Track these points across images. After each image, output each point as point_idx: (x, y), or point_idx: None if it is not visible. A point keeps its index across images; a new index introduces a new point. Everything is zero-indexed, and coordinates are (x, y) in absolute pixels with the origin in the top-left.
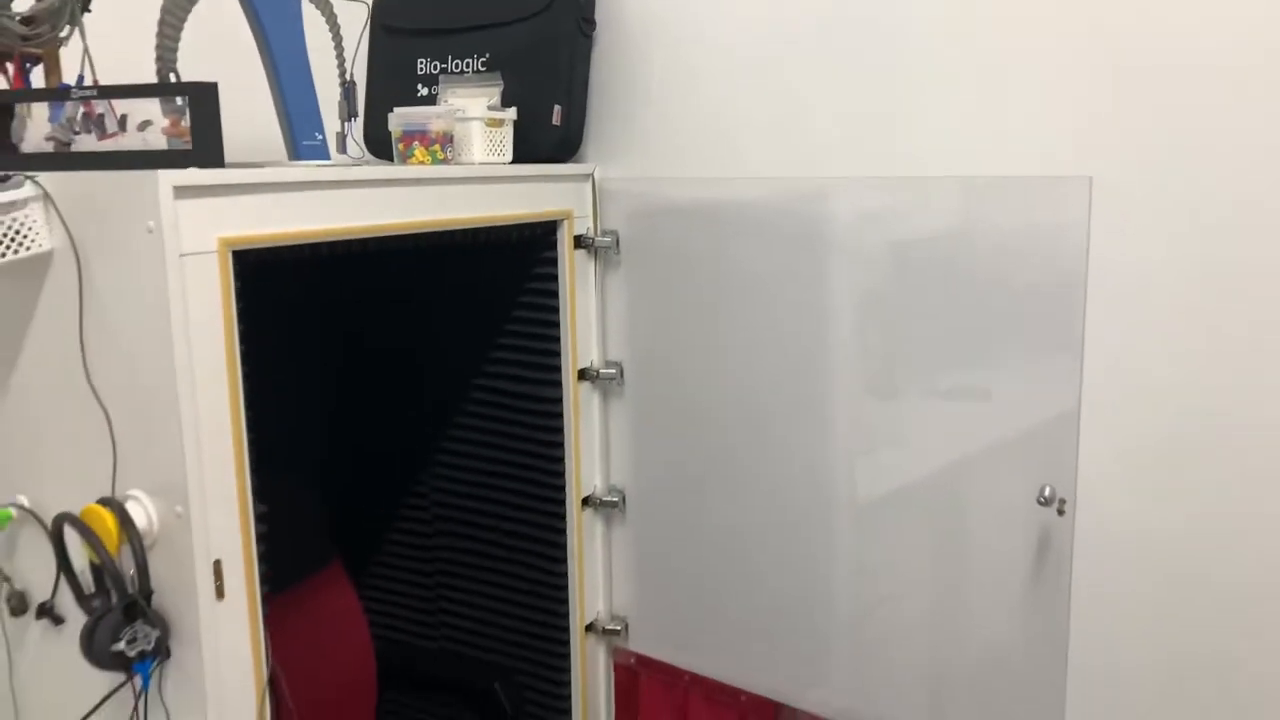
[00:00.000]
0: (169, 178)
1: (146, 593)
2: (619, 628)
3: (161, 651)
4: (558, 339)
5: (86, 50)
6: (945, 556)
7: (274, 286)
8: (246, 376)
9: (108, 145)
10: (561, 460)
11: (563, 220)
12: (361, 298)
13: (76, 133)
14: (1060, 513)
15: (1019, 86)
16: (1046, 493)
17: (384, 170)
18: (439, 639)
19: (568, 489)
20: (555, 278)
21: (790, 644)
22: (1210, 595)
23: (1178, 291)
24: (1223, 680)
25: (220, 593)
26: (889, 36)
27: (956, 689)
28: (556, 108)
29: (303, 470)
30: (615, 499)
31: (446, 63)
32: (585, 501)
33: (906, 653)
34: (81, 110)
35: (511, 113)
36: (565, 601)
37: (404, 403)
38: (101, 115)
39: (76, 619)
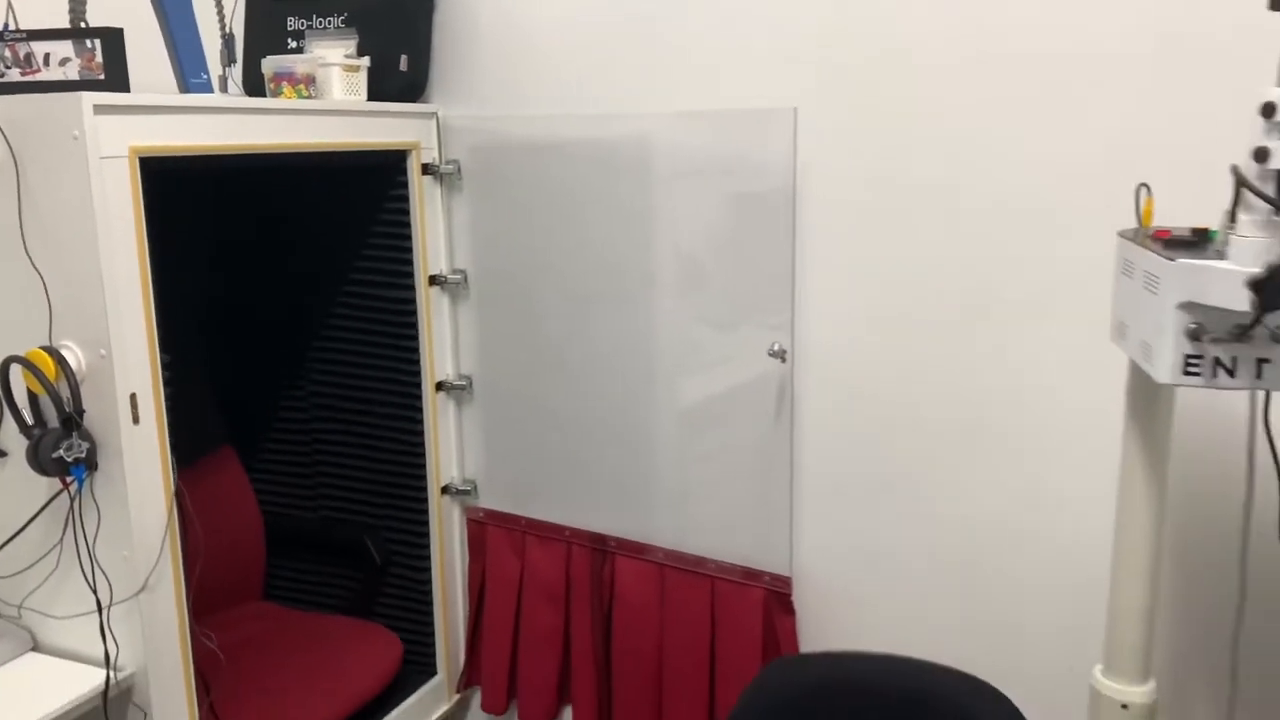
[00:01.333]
0: (90, 98)
1: (80, 412)
2: (469, 488)
3: (92, 463)
4: (410, 250)
5: (10, 3)
6: (715, 398)
7: (173, 201)
8: (150, 259)
9: (35, 78)
10: (416, 351)
11: (411, 150)
12: (244, 214)
13: (7, 68)
14: (783, 360)
15: (751, 40)
16: (775, 347)
17: (258, 101)
18: (318, 509)
19: (422, 375)
20: (407, 199)
21: (605, 489)
22: (884, 408)
23: (861, 196)
24: (894, 462)
25: (136, 419)
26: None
27: (723, 496)
28: (404, 57)
29: (193, 364)
30: (464, 383)
31: (311, 20)
32: (439, 386)
33: (682, 475)
34: (7, 51)
35: (365, 60)
36: (423, 469)
37: (281, 306)
38: (28, 54)
39: (18, 451)
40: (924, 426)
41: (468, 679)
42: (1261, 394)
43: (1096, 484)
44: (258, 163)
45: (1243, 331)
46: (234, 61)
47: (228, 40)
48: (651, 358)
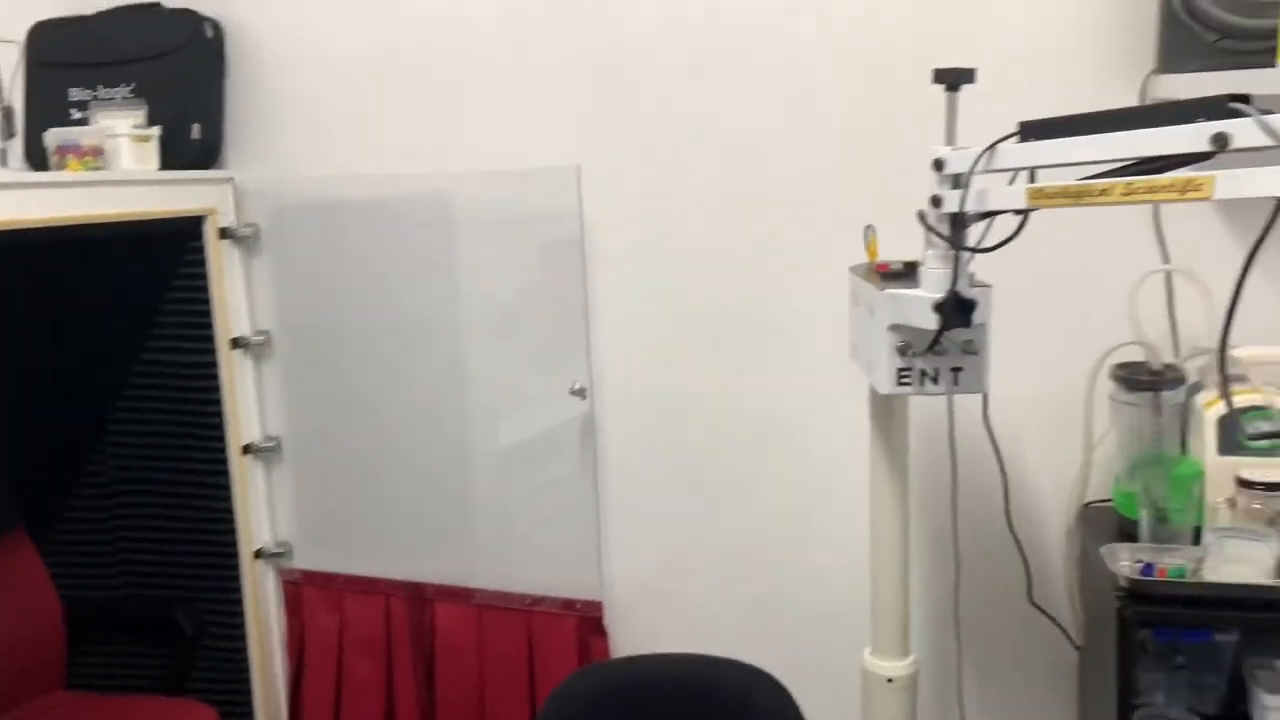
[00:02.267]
0: None
1: None
2: (283, 550)
3: None
4: (209, 314)
5: None
6: (522, 438)
7: None
8: None
9: None
10: (220, 415)
11: (207, 216)
12: (36, 289)
13: None
14: (583, 397)
15: (534, 102)
16: (575, 386)
17: (43, 175)
18: (123, 586)
19: (227, 439)
20: (204, 264)
21: (421, 537)
22: (677, 431)
23: (643, 240)
24: (688, 480)
25: None
26: (451, 64)
27: (534, 532)
28: (195, 125)
29: None
30: (272, 444)
31: (96, 91)
32: (246, 449)
33: (495, 516)
34: None
35: (155, 130)
36: (233, 535)
37: (76, 380)
38: None
39: None
40: (713, 445)
41: None
42: (976, 397)
43: (862, 488)
44: (46, 237)
45: (931, 345)
46: (13, 134)
47: (6, 112)
48: (461, 405)
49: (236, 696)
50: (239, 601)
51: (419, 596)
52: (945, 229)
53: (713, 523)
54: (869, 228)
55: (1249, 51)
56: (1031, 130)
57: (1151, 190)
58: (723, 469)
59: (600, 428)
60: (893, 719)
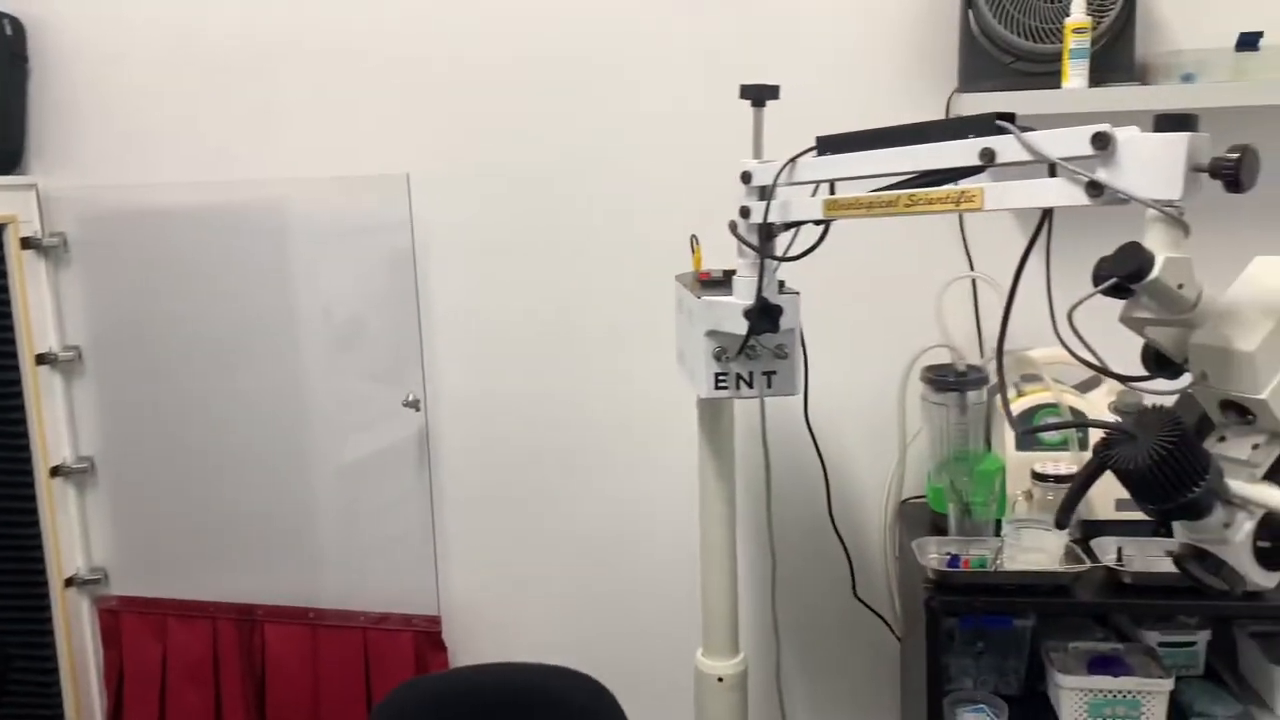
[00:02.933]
0: None
1: None
2: (99, 577)
3: None
4: (11, 329)
5: None
6: (355, 452)
7: None
8: None
9: None
10: (25, 436)
11: (6, 224)
12: None
13: None
14: (417, 409)
15: (364, 109)
16: (409, 398)
17: None
18: None
19: (35, 461)
20: (4, 275)
21: (250, 557)
22: (513, 441)
23: (476, 250)
24: (525, 489)
25: None
26: (276, 68)
27: (369, 547)
28: None
29: None
30: (85, 465)
31: None
32: (55, 471)
33: (328, 532)
34: None
35: None
36: (42, 562)
37: None
38: None
39: None
40: (551, 453)
41: None
42: (800, 399)
43: (695, 493)
44: None
45: (742, 350)
46: None
47: None
48: (290, 419)
49: None
50: (50, 633)
51: (249, 618)
52: (754, 239)
53: (553, 531)
54: (693, 237)
55: (1040, 73)
56: (828, 145)
57: (930, 202)
58: (561, 477)
59: (437, 439)
60: (724, 718)
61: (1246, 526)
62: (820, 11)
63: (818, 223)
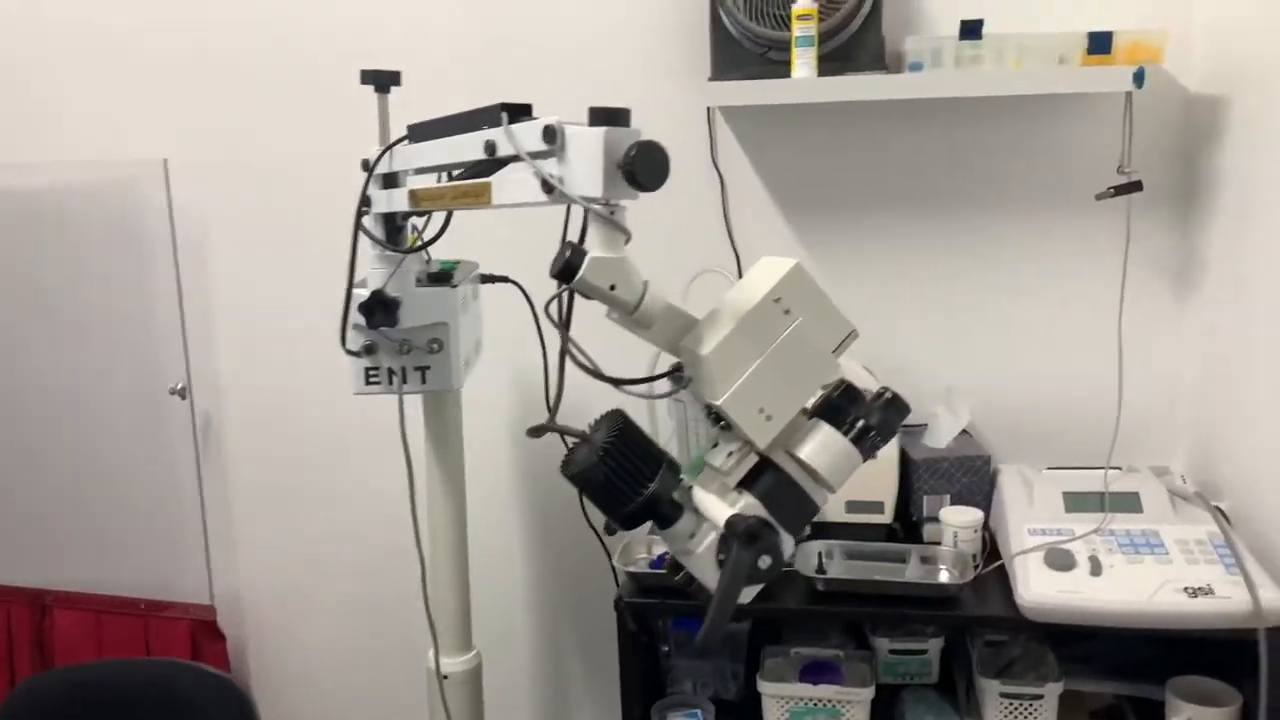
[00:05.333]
0: None
1: None
2: None
3: None
4: None
5: None
6: (128, 441)
7: None
8: None
9: None
10: None
11: None
12: None
13: None
14: (183, 398)
15: (124, 96)
16: (176, 386)
17: None
18: None
19: None
20: None
21: (39, 542)
22: (289, 428)
23: (237, 235)
24: (303, 477)
25: None
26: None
27: (146, 536)
28: None
29: None
30: None
31: None
32: None
33: (108, 520)
34: None
35: None
36: None
37: None
38: None
39: None
40: (329, 445)
41: None
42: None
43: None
44: None
45: (369, 348)
46: None
47: None
48: (66, 407)
49: None
50: None
51: (39, 604)
52: (380, 231)
53: (334, 522)
54: (414, 227)
55: (788, 61)
56: (416, 133)
57: (458, 196)
58: (342, 468)
59: (219, 428)
60: (456, 713)
61: (710, 538)
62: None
63: (420, 213)
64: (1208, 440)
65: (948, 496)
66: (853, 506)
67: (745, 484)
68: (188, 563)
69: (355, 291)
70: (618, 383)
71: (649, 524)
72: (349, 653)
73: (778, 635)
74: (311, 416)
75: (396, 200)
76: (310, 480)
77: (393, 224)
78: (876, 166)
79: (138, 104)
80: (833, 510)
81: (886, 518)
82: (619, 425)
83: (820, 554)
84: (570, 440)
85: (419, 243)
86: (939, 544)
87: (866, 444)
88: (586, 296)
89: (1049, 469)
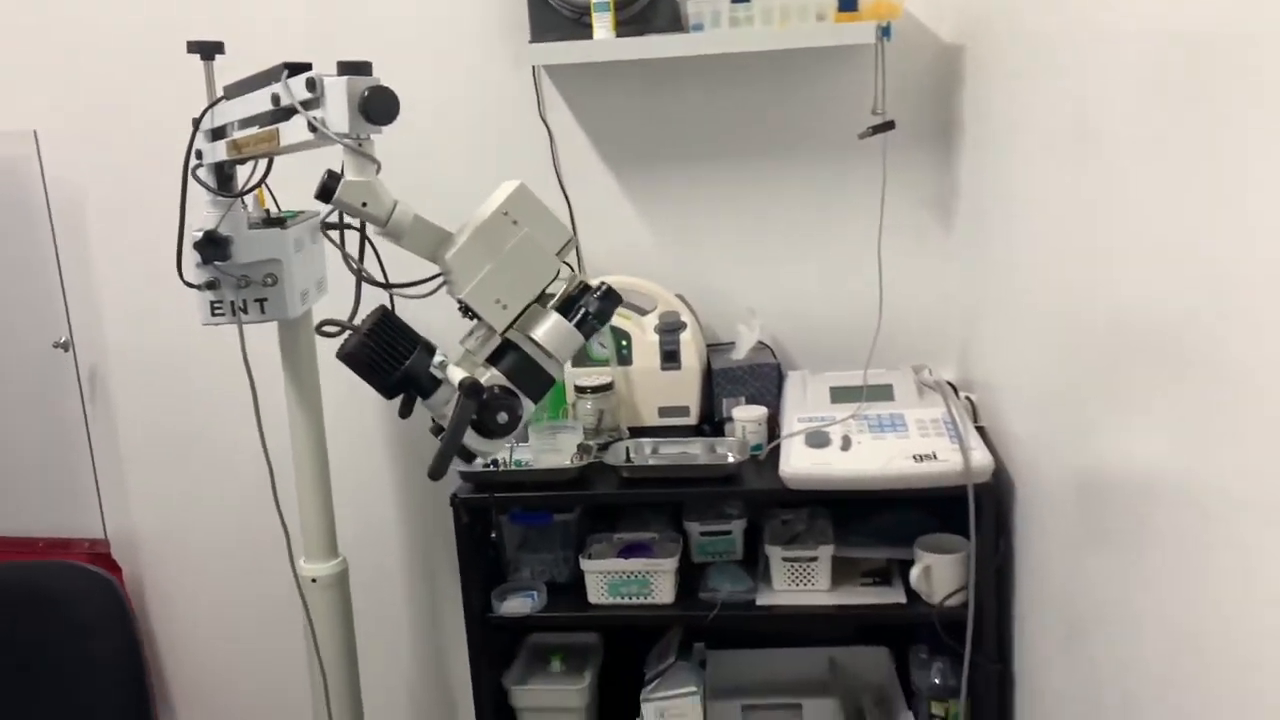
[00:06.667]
0: None
1: None
2: None
3: None
4: None
5: None
6: (17, 388)
7: None
8: None
9: None
10: None
11: None
12: None
13: None
14: (67, 350)
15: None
16: (60, 339)
17: None
18: None
19: None
20: None
21: None
22: (179, 378)
23: (109, 197)
24: (194, 424)
25: None
26: None
27: (38, 478)
28: None
29: None
30: None
31: None
32: None
33: (13, 463)
34: None
35: None
36: None
37: None
38: None
39: None
40: (196, 395)
41: None
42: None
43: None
44: None
45: (210, 283)
46: None
47: None
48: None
49: None
50: None
51: None
52: (211, 180)
53: (216, 457)
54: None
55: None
56: (229, 92)
57: (258, 142)
58: (221, 407)
59: (104, 378)
60: (326, 613)
61: (454, 399)
62: None
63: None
64: (965, 345)
65: (743, 399)
66: (664, 411)
67: (492, 361)
68: (82, 503)
69: (194, 234)
70: (389, 286)
71: None
72: (233, 571)
73: (609, 527)
74: (189, 363)
75: (220, 151)
76: (191, 420)
77: (222, 172)
78: (680, 118)
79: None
80: (646, 414)
81: (693, 420)
82: (379, 315)
83: (628, 449)
84: (347, 333)
85: (260, 194)
86: (729, 436)
87: (587, 327)
88: (346, 213)
89: (828, 373)
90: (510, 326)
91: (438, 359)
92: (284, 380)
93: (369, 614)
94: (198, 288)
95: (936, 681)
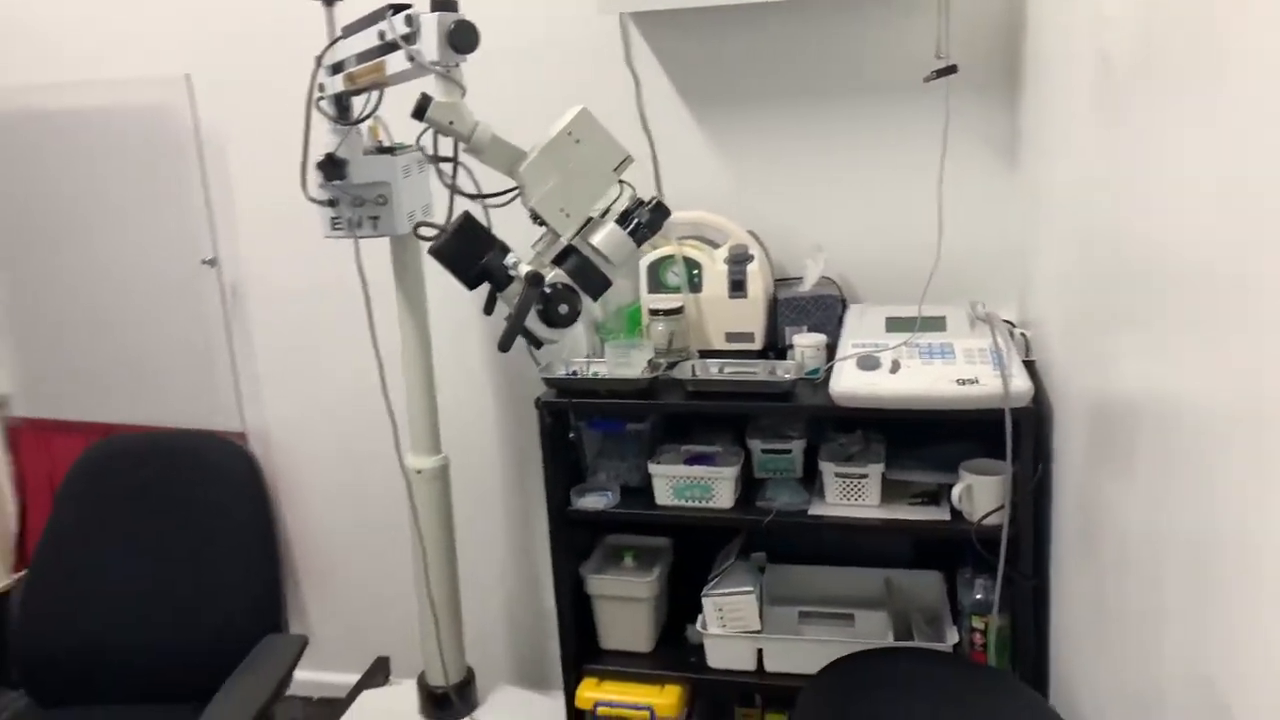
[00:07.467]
0: None
1: None
2: (2, 400)
3: None
4: None
5: None
6: (173, 300)
7: None
8: None
9: None
10: None
11: None
12: None
13: None
14: (213, 265)
15: (146, 17)
16: (207, 257)
17: None
18: None
19: None
20: None
21: (111, 386)
22: (303, 297)
23: (257, 136)
24: (317, 336)
25: None
26: None
27: (191, 378)
28: None
29: None
30: None
31: None
32: None
33: (159, 365)
34: None
35: None
36: None
37: None
38: None
39: None
40: (322, 307)
41: (20, 562)
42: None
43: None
44: None
45: (330, 200)
46: None
47: None
48: (135, 277)
49: None
50: None
51: (105, 434)
52: (330, 108)
53: (339, 362)
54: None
55: None
56: (346, 31)
57: (369, 73)
58: (337, 333)
59: (244, 292)
60: (428, 502)
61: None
62: None
63: (355, 92)
64: (1024, 283)
65: (805, 328)
66: (730, 336)
67: (557, 262)
68: (223, 400)
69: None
70: (474, 196)
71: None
72: (349, 463)
73: (678, 440)
74: (313, 278)
75: (338, 84)
76: (314, 329)
77: (341, 103)
78: (756, 64)
79: (162, 25)
80: (714, 339)
81: (757, 345)
82: (463, 219)
83: (694, 366)
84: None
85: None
86: (789, 360)
87: (639, 235)
88: (436, 130)
89: (887, 305)
90: (573, 233)
91: (511, 258)
92: (394, 292)
93: (466, 504)
94: (320, 203)
95: (978, 597)
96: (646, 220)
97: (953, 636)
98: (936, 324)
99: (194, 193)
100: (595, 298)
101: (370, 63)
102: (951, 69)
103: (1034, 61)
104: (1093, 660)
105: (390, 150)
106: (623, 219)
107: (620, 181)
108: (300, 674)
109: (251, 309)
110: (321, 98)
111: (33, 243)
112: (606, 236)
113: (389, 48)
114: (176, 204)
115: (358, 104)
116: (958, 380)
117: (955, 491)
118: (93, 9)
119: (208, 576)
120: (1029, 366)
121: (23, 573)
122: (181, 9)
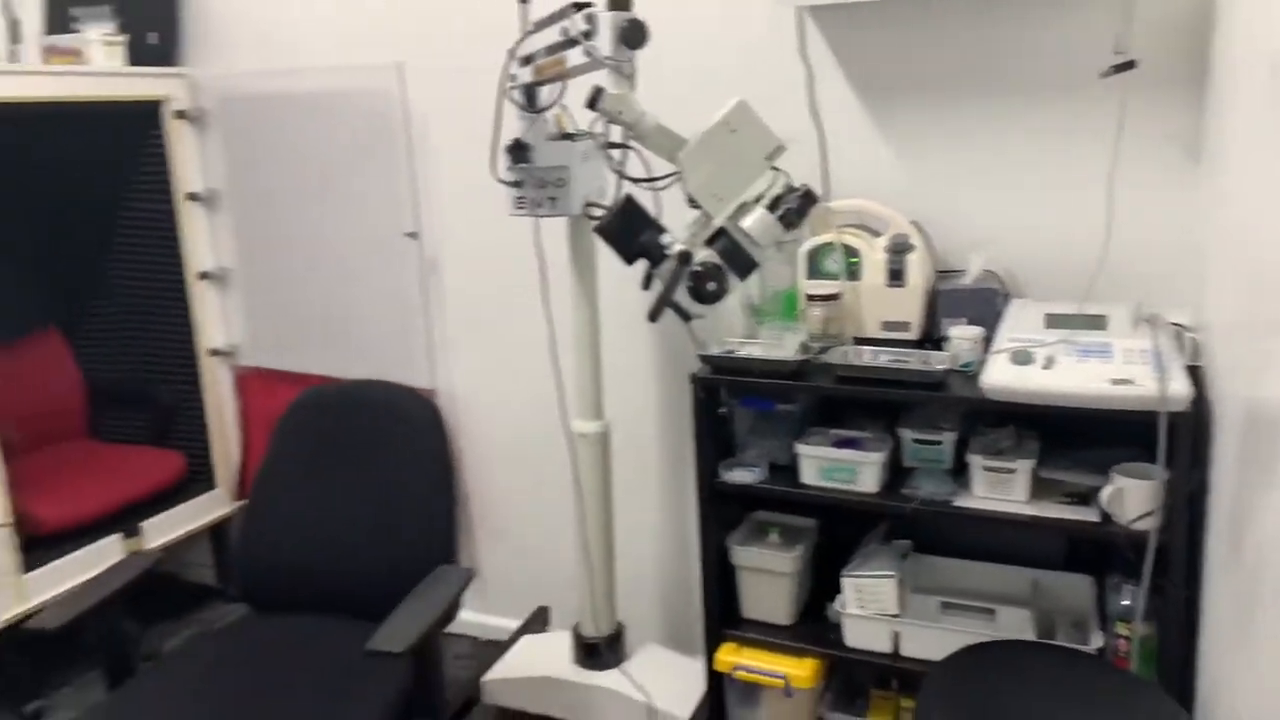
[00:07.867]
0: None
1: None
2: (233, 350)
3: None
4: (168, 173)
5: None
6: (375, 269)
7: None
8: None
9: None
10: (179, 253)
11: (164, 101)
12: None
13: None
14: (415, 238)
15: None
16: (409, 229)
17: (36, 65)
18: (124, 371)
19: (186, 269)
20: (163, 137)
21: (326, 342)
22: (486, 273)
23: (460, 119)
24: (496, 309)
25: None
26: None
27: (387, 337)
28: (153, 34)
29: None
30: (222, 273)
31: (88, 9)
32: (202, 275)
33: (361, 326)
34: None
35: (121, 37)
36: (192, 339)
37: (83, 219)
38: None
39: None
40: (504, 280)
41: (241, 491)
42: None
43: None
44: (49, 111)
45: (517, 183)
46: (19, 40)
47: (13, 24)
48: (346, 245)
49: (200, 450)
50: (199, 389)
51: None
52: (520, 97)
53: (517, 331)
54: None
55: None
56: (537, 26)
57: (552, 65)
58: (516, 306)
59: (440, 263)
60: (589, 465)
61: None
62: None
63: (540, 82)
64: (1198, 286)
65: (964, 320)
66: (886, 325)
67: (709, 243)
68: (416, 361)
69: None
70: (636, 180)
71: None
72: (521, 423)
73: (829, 424)
74: (498, 253)
75: (527, 75)
76: (497, 299)
77: (529, 93)
78: (927, 57)
79: (380, 18)
80: (870, 326)
81: (913, 335)
82: (625, 200)
83: (847, 352)
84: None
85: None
86: (944, 352)
87: (787, 220)
88: (607, 119)
89: (1049, 302)
90: (725, 217)
91: (666, 238)
92: (569, 268)
93: (625, 469)
94: (508, 184)
95: (1126, 603)
96: (796, 206)
97: (1097, 641)
98: (1097, 322)
99: (401, 170)
100: (743, 278)
101: (554, 56)
102: (1130, 64)
103: (1221, 59)
104: (1240, 677)
105: (570, 137)
106: (774, 205)
107: (774, 169)
108: (469, 615)
109: (446, 279)
110: (513, 87)
111: (264, 211)
112: (756, 220)
113: (570, 43)
114: (386, 180)
115: (544, 93)
116: (1112, 380)
117: (1105, 493)
118: (323, 4)
119: (396, 511)
120: (1193, 370)
121: (243, 501)
122: (396, 4)
